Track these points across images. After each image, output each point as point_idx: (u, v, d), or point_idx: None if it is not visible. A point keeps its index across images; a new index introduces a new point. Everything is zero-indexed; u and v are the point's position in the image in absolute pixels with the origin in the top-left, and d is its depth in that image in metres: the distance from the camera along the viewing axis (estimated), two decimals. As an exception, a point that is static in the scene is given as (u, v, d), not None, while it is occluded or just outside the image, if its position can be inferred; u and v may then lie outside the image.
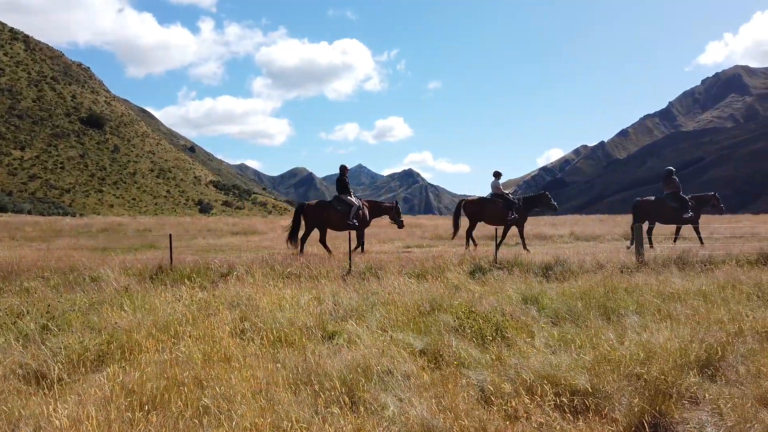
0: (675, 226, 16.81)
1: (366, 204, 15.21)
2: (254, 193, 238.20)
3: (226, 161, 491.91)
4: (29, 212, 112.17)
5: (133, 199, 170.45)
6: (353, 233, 14.54)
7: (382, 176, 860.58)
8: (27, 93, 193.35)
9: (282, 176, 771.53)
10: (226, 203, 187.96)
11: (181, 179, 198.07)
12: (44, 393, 4.45)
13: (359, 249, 14.56)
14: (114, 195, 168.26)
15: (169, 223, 39.85)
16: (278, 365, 4.95)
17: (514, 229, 16.96)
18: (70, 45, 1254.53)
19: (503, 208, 15.85)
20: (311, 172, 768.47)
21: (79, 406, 3.90)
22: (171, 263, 11.41)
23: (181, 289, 8.80)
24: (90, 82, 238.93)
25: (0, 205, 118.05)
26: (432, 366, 4.98)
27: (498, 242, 15.56)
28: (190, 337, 5.58)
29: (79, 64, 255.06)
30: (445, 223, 27.16)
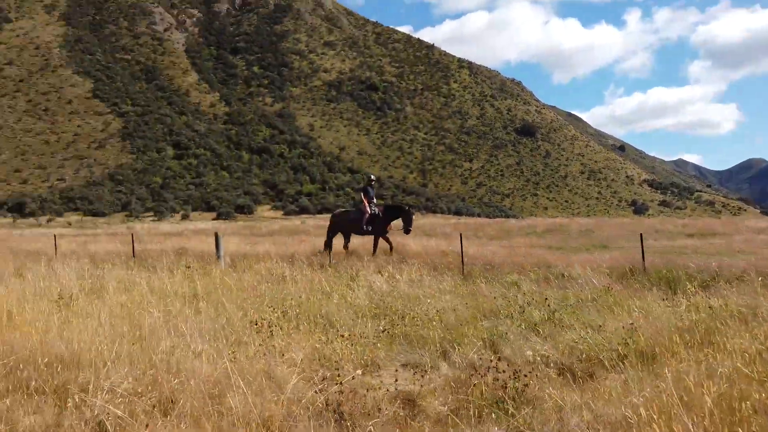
0: None
1: None
2: (697, 190, 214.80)
3: (659, 158, 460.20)
4: (478, 215, 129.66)
5: (566, 201, 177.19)
6: None
7: None
8: (472, 112, 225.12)
9: (730, 170, 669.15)
10: (663, 203, 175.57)
11: (612, 179, 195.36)
12: (579, 386, 4.48)
13: None
14: (547, 198, 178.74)
15: (607, 223, 39.38)
16: None
17: None
18: (503, 64, 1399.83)
19: None
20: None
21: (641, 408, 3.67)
22: (644, 265, 10.79)
23: (669, 293, 8.12)
24: (522, 94, 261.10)
25: (456, 209, 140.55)
26: None
27: None
28: (723, 350, 4.83)
29: (512, 80, 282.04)
30: None
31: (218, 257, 13.12)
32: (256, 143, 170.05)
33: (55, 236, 19.05)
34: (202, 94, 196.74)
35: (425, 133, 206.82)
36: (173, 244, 20.40)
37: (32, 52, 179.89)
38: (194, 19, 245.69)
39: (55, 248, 16.62)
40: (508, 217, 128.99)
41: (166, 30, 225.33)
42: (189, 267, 11.99)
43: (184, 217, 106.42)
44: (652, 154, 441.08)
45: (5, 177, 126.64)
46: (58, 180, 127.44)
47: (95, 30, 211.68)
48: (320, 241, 18.82)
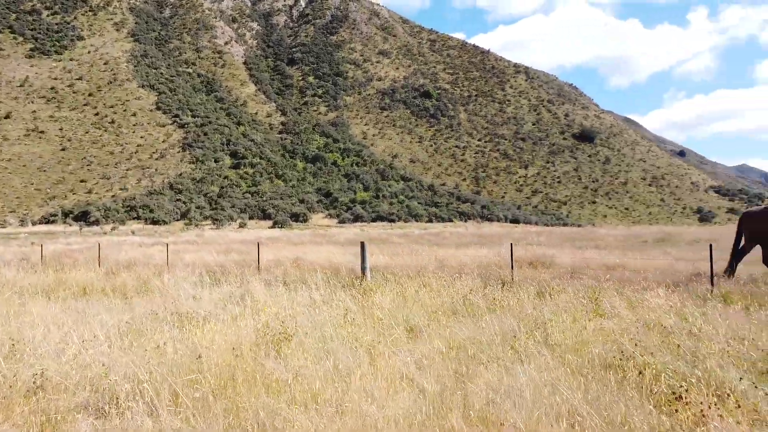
0: None
1: None
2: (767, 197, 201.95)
3: (721, 163, 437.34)
4: (536, 223, 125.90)
5: (626, 208, 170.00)
6: None
7: None
8: (528, 118, 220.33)
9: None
10: (731, 210, 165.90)
11: (676, 186, 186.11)
12: None
13: None
14: (606, 205, 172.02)
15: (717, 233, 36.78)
16: None
17: None
18: (559, 68, 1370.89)
19: None
20: None
21: None
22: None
23: None
24: (580, 99, 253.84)
25: (513, 217, 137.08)
26: None
27: None
28: None
29: (570, 84, 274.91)
30: None
31: (364, 270, 11.83)
32: (310, 152, 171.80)
33: (167, 245, 18.44)
34: (259, 105, 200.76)
35: (479, 140, 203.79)
36: (276, 255, 18.51)
37: (101, 67, 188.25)
38: (253, 32, 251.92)
39: (167, 260, 15.96)
40: (565, 225, 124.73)
41: (226, 43, 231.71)
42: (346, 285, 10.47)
43: (242, 226, 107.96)
44: (712, 159, 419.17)
45: (72, 187, 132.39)
46: (120, 189, 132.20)
47: (160, 45, 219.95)
48: (414, 252, 17.20)
